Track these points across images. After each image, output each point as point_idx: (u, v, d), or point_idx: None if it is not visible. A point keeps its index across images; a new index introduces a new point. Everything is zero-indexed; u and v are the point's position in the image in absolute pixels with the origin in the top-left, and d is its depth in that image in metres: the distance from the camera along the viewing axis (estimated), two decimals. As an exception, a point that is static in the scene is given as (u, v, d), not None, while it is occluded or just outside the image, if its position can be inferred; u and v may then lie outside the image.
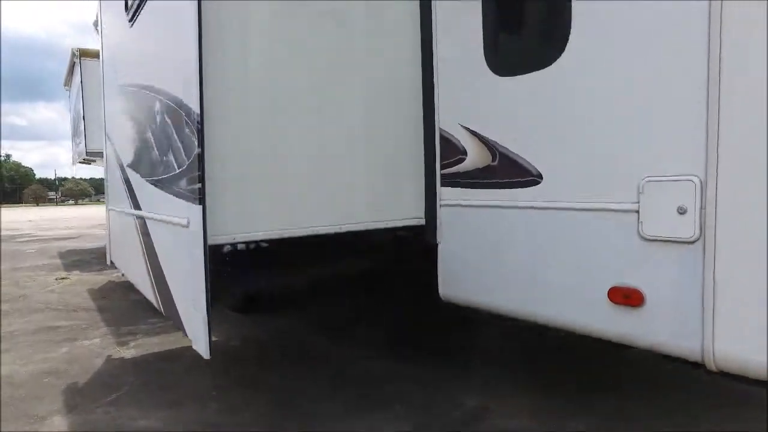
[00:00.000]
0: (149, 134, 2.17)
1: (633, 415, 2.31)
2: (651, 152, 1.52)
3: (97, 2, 5.53)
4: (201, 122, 1.55)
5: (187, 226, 1.70)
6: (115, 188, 3.24)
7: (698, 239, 1.44)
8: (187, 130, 1.65)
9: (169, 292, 2.01)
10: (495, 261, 2.02)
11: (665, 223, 1.49)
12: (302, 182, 1.91)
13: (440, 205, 2.24)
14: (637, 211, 1.56)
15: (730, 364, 1.41)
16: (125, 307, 4.95)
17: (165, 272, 2.06)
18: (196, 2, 1.56)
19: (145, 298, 3.08)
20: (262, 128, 1.81)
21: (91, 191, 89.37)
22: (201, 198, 1.56)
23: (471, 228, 2.11)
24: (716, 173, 1.38)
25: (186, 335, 1.87)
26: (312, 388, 2.75)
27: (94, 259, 8.41)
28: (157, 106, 2.02)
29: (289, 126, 1.87)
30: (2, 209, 40.68)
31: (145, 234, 2.38)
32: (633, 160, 1.57)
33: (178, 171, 1.78)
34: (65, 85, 10.27)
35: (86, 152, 8.04)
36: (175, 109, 1.74)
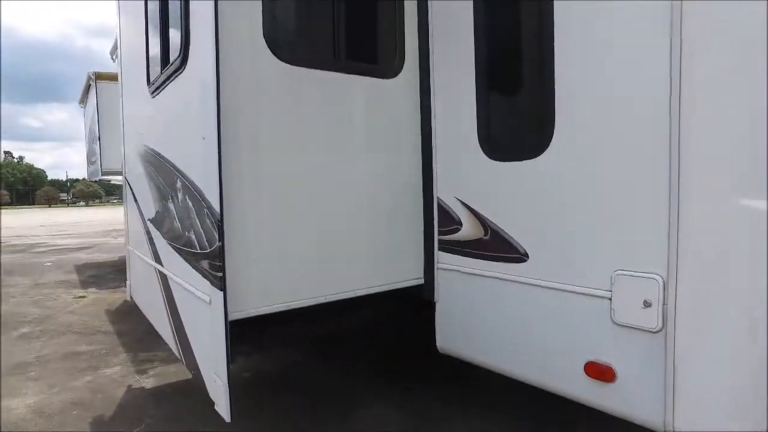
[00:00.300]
0: (171, 206, 2.39)
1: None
2: (622, 248, 1.71)
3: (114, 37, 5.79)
4: (221, 221, 1.75)
5: (209, 304, 1.91)
6: (135, 233, 3.46)
7: (661, 330, 1.62)
8: (208, 221, 1.86)
9: (192, 353, 2.23)
10: (486, 324, 2.22)
11: (633, 312, 1.68)
12: (312, 258, 2.12)
13: (437, 268, 2.44)
14: (610, 299, 1.75)
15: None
16: (141, 331, 5.16)
17: (188, 334, 2.28)
18: (216, 112, 1.77)
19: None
20: (275, 215, 2.02)
21: (101, 192, 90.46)
22: (223, 285, 1.77)
23: (464, 291, 2.30)
24: (676, 274, 1.57)
25: (209, 394, 2.08)
26: (313, 416, 2.95)
27: (109, 274, 8.68)
28: (179, 184, 2.23)
29: (300, 210, 2.08)
30: (16, 211, 41.23)
31: (167, 289, 2.60)
32: (607, 253, 1.75)
33: (200, 251, 1.99)
34: (80, 103, 10.59)
35: (101, 172, 8.31)
36: (198, 199, 1.95)
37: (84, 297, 6.92)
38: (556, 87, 1.84)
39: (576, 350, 1.86)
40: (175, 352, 2.66)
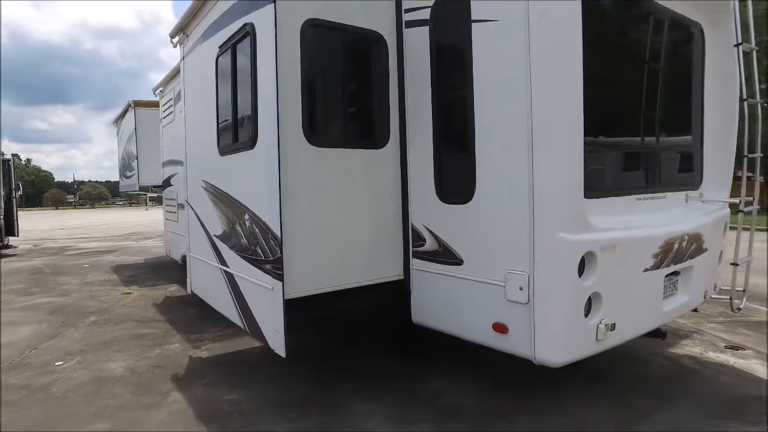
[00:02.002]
0: (239, 228, 3.71)
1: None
2: (510, 259, 3.02)
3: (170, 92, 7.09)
4: (281, 240, 3.07)
5: (271, 290, 3.22)
6: (199, 244, 4.78)
7: (528, 302, 2.93)
8: (272, 242, 3.17)
9: (256, 321, 3.55)
10: (440, 303, 3.53)
11: (515, 293, 2.99)
12: (334, 261, 3.45)
13: (412, 268, 3.75)
14: (504, 286, 3.06)
15: (546, 361, 2.90)
16: (187, 319, 6.47)
17: (252, 310, 3.59)
18: (278, 176, 3.08)
19: (215, 313, 4.62)
20: (311, 235, 3.34)
21: (107, 195, 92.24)
22: (282, 278, 3.09)
23: (428, 283, 3.62)
24: (534, 273, 2.88)
25: (268, 344, 3.39)
26: (332, 376, 4.27)
27: (144, 274, 9.99)
28: (247, 216, 3.55)
29: (326, 233, 3.41)
30: (26, 213, 42.49)
31: (233, 283, 3.92)
32: (503, 261, 3.06)
33: (264, 258, 3.30)
34: (114, 123, 11.94)
35: (139, 186, 9.65)
36: (264, 228, 3.26)
37: (130, 293, 8.23)
38: (476, 167, 3.16)
39: (487, 316, 3.16)
40: (239, 323, 3.97)
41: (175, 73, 7.22)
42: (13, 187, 13.98)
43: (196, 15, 4.55)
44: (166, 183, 7.88)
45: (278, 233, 3.09)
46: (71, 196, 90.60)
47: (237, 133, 3.75)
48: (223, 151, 3.99)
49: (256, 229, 3.41)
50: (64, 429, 3.53)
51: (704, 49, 4.18)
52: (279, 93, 3.10)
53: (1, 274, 10.55)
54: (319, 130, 3.45)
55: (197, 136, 4.74)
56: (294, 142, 3.27)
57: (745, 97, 3.84)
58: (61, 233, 22.60)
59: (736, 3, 3.99)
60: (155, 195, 10.80)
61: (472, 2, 3.13)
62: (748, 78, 3.94)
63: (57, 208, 69.70)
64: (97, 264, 11.73)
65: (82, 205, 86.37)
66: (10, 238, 14.43)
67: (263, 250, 3.32)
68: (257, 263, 3.44)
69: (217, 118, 4.12)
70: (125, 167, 10.96)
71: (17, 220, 14.47)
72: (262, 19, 3.23)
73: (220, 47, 3.96)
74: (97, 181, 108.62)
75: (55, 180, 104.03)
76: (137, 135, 9.45)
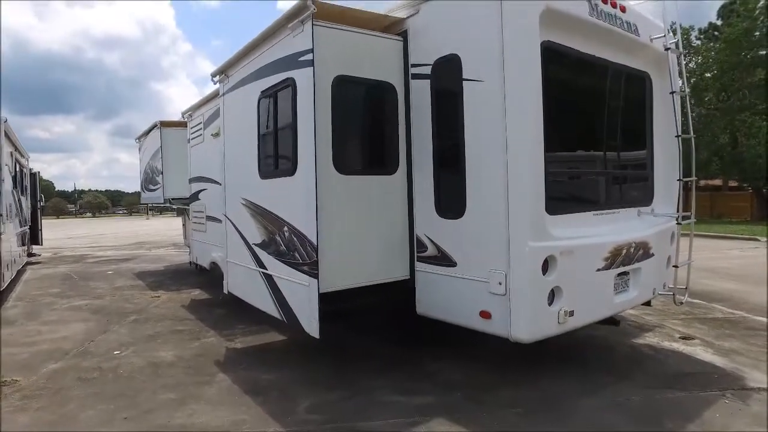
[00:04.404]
0: (278, 238, 4.65)
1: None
2: (491, 260, 3.96)
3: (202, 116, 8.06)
4: (317, 246, 4.02)
5: (308, 286, 4.16)
6: (237, 251, 5.72)
7: (506, 294, 3.88)
8: (309, 247, 4.11)
9: (293, 313, 4.48)
10: (438, 297, 4.47)
11: (495, 287, 3.93)
12: (357, 262, 4.43)
13: (416, 270, 4.71)
14: (488, 282, 4.00)
15: (519, 338, 3.84)
16: (216, 317, 7.34)
17: (290, 304, 4.53)
18: (315, 198, 4.03)
19: (244, 312, 5.54)
20: (340, 243, 4.30)
21: (108, 204, 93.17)
22: (317, 276, 4.03)
23: (429, 281, 4.56)
24: (510, 272, 3.83)
25: (304, 329, 4.32)
26: (351, 360, 5.18)
27: (167, 280, 10.87)
28: (286, 228, 4.50)
29: (351, 242, 4.38)
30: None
31: (272, 283, 4.86)
32: (487, 261, 4.00)
33: (302, 261, 4.24)
34: (137, 140, 12.91)
35: (164, 199, 10.60)
36: (302, 237, 4.21)
37: (159, 297, 9.10)
38: (466, 190, 4.13)
39: (476, 305, 4.10)
40: (276, 315, 4.91)
41: (205, 101, 8.21)
42: (39, 198, 14.88)
43: (238, 62, 5.54)
44: (194, 197, 8.82)
45: (315, 241, 4.04)
46: (72, 206, 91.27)
47: (278, 161, 4.72)
48: (265, 175, 4.95)
49: (295, 239, 4.35)
50: (140, 399, 4.44)
51: (652, 94, 5.18)
52: (315, 133, 4.07)
53: (35, 279, 11.44)
54: (344, 161, 4.43)
55: (237, 161, 5.70)
56: (325, 171, 4.24)
57: (679, 133, 4.82)
58: (72, 242, 23.40)
59: (673, 57, 5.00)
60: (158, 205, 11.65)
61: (463, 66, 4.11)
62: (684, 117, 4.93)
63: (58, 217, 70.44)
64: (120, 271, 12.62)
65: (82, 214, 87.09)
66: (34, 246, 15.33)
67: (300, 254, 4.27)
68: (295, 265, 4.38)
69: (259, 148, 5.08)
70: (148, 181, 11.89)
71: (41, 229, 15.36)
72: (302, 76, 4.21)
73: (262, 92, 4.94)
74: (97, 190, 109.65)
75: (57, 189, 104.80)
76: (162, 152, 10.40)
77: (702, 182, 27.93)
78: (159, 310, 8.01)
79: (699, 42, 29.21)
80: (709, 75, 25.34)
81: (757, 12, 25.18)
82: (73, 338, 6.42)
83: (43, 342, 6.25)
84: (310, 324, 4.20)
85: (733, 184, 30.89)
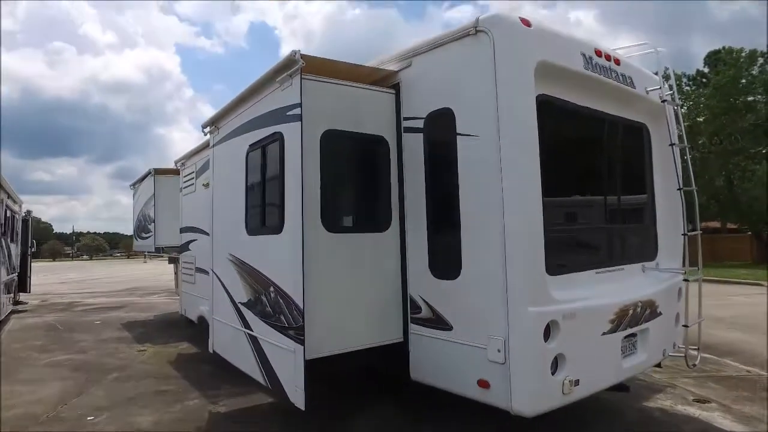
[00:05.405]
0: (264, 298, 4.39)
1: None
2: (490, 326, 3.69)
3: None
4: (304, 311, 3.76)
5: (294, 352, 3.87)
6: (223, 309, 5.44)
7: (505, 362, 3.59)
8: (295, 311, 3.85)
9: (278, 379, 4.16)
10: (434, 362, 4.17)
11: (494, 354, 3.64)
12: (346, 327, 4.14)
13: (410, 332, 4.42)
14: (486, 348, 3.72)
15: (521, 412, 3.52)
16: (202, 376, 6.94)
17: (275, 369, 4.21)
18: (301, 257, 3.81)
19: (230, 371, 5.20)
20: (327, 307, 4.03)
21: (106, 246, 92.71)
22: (303, 342, 3.75)
23: (423, 345, 4.27)
24: (509, 338, 3.56)
25: (289, 399, 3.99)
26: (340, 427, 4.80)
27: (155, 331, 10.47)
28: (272, 288, 4.25)
29: (339, 305, 4.11)
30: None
31: (257, 345, 4.55)
32: (485, 327, 3.73)
33: (288, 325, 3.97)
34: (131, 186, 12.80)
35: (155, 247, 10.36)
36: (289, 299, 3.95)
37: (145, 351, 8.71)
38: (462, 250, 3.91)
39: (473, 373, 3.80)
40: (260, 380, 4.57)
41: (197, 150, 8.11)
42: (29, 244, 14.63)
43: (228, 114, 5.44)
44: (184, 247, 8.59)
45: (301, 305, 3.78)
46: (69, 248, 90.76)
47: (265, 218, 4.52)
48: (251, 231, 4.75)
49: (281, 300, 4.09)
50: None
51: (650, 145, 5.06)
52: (303, 190, 3.89)
53: (18, 330, 11.02)
54: (333, 219, 4.24)
55: (225, 214, 5.50)
56: (313, 230, 4.03)
57: (681, 186, 4.66)
58: (63, 288, 22.95)
59: (670, 108, 4.91)
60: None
61: (456, 120, 3.99)
62: (684, 169, 4.78)
63: (54, 260, 69.86)
64: (108, 320, 12.20)
65: (79, 256, 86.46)
66: (21, 294, 14.94)
67: (286, 317, 4.00)
68: (281, 329, 4.10)
69: (246, 203, 4.90)
70: (141, 229, 11.69)
71: (30, 276, 15.02)
72: (290, 130, 4.07)
73: (251, 145, 4.80)
74: (95, 233, 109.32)
75: (55, 231, 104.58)
76: (156, 200, 10.25)
77: (702, 224, 27.83)
78: (143, 367, 7.63)
79: (688, 88, 29.85)
80: (701, 119, 25.73)
81: (742, 60, 25.91)
82: (47, 401, 6.03)
83: (14, 406, 5.85)
84: (295, 393, 3.88)
85: (732, 226, 30.83)
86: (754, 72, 26.08)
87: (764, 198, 23.44)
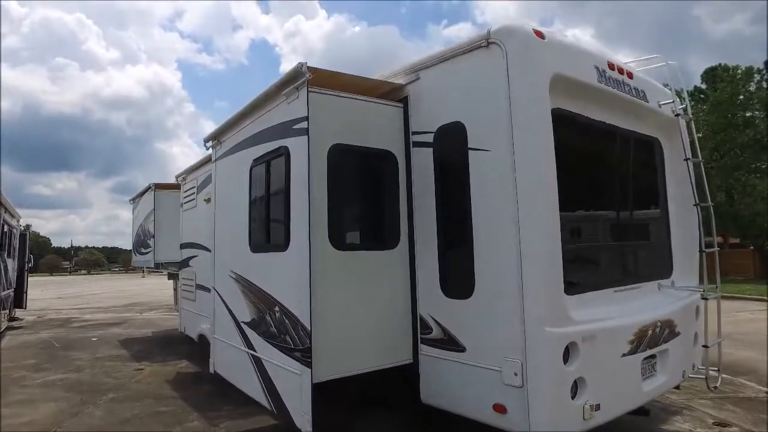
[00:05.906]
0: (268, 318, 4.22)
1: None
2: (506, 348, 3.53)
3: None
4: (311, 332, 3.60)
5: (300, 375, 3.69)
6: (225, 328, 5.26)
7: (522, 386, 3.42)
8: (301, 332, 3.68)
9: (283, 403, 3.98)
10: (446, 385, 3.99)
11: (510, 378, 3.48)
12: (354, 349, 3.97)
13: (420, 353, 4.24)
14: (501, 371, 3.55)
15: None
16: (202, 396, 6.73)
17: (279, 392, 4.03)
18: (308, 275, 3.65)
19: (230, 391, 5.00)
20: (335, 329, 3.87)
21: (104, 261, 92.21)
22: (310, 365, 3.58)
23: (435, 367, 4.09)
24: (526, 360, 3.39)
25: (295, 424, 3.81)
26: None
27: (153, 348, 10.24)
28: (277, 307, 4.08)
29: (348, 325, 3.96)
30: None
31: (261, 366, 4.37)
32: (500, 349, 3.57)
33: (294, 347, 3.80)
34: (131, 201, 12.66)
35: (155, 263, 10.18)
36: (294, 319, 3.79)
37: (142, 369, 8.47)
38: (475, 268, 3.76)
39: (489, 397, 3.62)
40: (264, 404, 4.38)
41: (199, 165, 8.00)
42: (26, 259, 14.42)
43: (231, 128, 5.33)
44: (185, 263, 8.42)
45: (308, 326, 3.62)
46: (67, 262, 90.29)
47: (269, 235, 4.37)
48: (255, 249, 4.60)
49: (286, 320, 3.93)
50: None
51: (663, 160, 4.95)
52: (310, 206, 3.75)
53: (12, 347, 10.77)
54: (341, 236, 4.10)
55: (227, 230, 5.36)
56: (320, 247, 3.88)
57: (697, 201, 4.54)
58: (60, 303, 22.65)
59: (683, 123, 4.81)
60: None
61: (468, 134, 3.87)
62: (699, 185, 4.66)
63: (52, 274, 69.44)
64: (105, 337, 11.95)
65: (77, 271, 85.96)
66: (17, 310, 14.69)
67: (292, 339, 3.83)
68: (286, 350, 3.93)
69: (249, 219, 4.76)
70: (140, 244, 11.52)
71: (26, 292, 14.78)
72: (296, 144, 3.95)
73: (254, 160, 4.68)
74: (94, 247, 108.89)
75: (53, 245, 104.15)
76: (155, 215, 10.10)
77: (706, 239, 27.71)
78: (140, 386, 7.40)
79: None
80: (700, 135, 25.76)
81: (738, 77, 26.08)
82: (39, 423, 5.81)
83: (6, 428, 5.64)
84: (302, 418, 3.69)
85: (734, 240, 30.69)
86: (751, 88, 26.24)
87: (765, 213, 23.35)
